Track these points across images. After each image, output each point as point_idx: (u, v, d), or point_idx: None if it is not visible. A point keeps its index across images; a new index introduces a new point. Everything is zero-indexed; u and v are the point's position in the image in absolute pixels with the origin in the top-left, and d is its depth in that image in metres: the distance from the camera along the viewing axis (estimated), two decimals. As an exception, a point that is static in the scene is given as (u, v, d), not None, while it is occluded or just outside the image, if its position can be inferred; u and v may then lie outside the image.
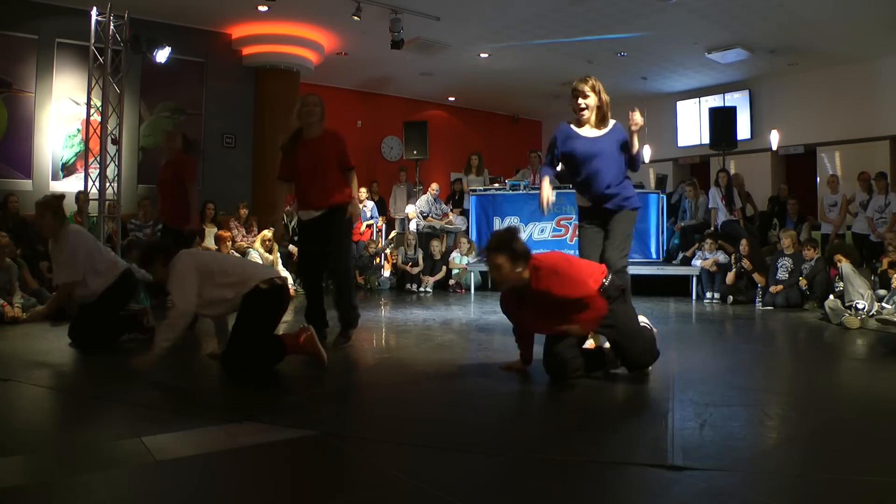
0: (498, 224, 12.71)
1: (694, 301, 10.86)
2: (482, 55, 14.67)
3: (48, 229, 6.37)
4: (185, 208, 7.38)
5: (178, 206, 7.39)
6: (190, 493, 2.82)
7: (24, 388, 4.83)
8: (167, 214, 7.58)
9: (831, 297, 8.53)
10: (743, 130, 15.53)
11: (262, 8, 11.95)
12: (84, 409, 4.26)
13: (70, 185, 11.23)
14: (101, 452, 3.31)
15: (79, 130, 11.90)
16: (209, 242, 11.19)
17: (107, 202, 9.71)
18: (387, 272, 13.44)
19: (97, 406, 4.32)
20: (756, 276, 10.38)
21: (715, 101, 16.41)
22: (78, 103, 11.66)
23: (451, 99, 18.75)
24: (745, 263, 10.48)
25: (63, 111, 12.03)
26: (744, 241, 10.74)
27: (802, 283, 9.84)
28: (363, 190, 14.19)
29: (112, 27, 9.63)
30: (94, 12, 9.55)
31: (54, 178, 11.67)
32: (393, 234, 14.66)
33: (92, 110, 9.94)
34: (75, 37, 11.10)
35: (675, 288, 11.27)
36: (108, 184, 9.65)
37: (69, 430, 3.73)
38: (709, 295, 10.91)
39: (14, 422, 4.05)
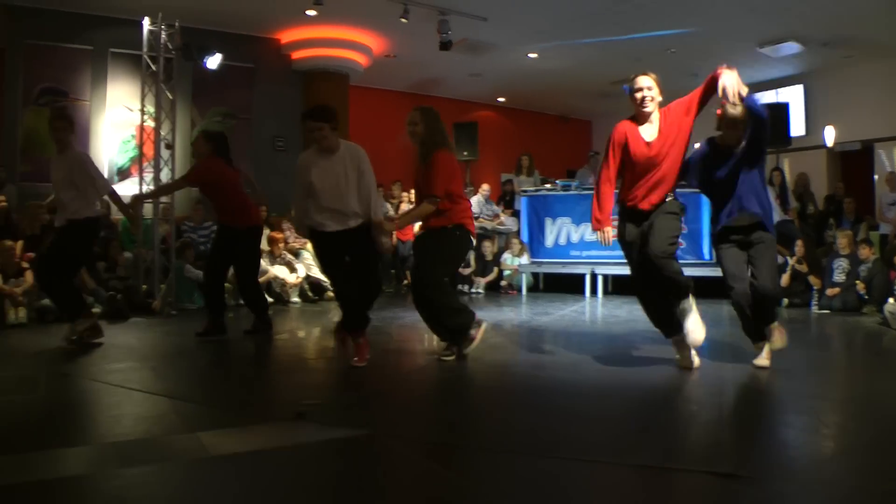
0: (549, 225, 12.63)
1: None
2: (530, 55, 14.62)
3: (61, 140, 6.61)
4: (239, 208, 7.18)
5: (229, 207, 7.17)
6: (242, 489, 2.86)
7: (84, 383, 4.99)
8: (224, 216, 7.30)
9: (891, 300, 8.27)
10: (797, 127, 15.25)
11: (310, 12, 12.02)
12: (142, 404, 4.34)
13: (125, 189, 11.36)
14: (158, 446, 3.39)
15: (133, 136, 12.08)
16: (262, 244, 11.28)
17: (161, 205, 9.85)
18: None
19: (155, 402, 4.40)
20: (811, 279, 10.13)
21: (768, 96, 16.11)
22: (132, 110, 11.84)
23: (501, 99, 18.69)
24: (800, 265, 10.27)
25: (117, 118, 12.25)
26: (799, 242, 10.48)
27: (860, 286, 9.58)
28: (413, 191, 14.14)
29: (163, 36, 9.77)
30: (145, 22, 9.70)
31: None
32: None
33: (145, 116, 10.09)
34: (128, 46, 11.31)
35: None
36: (161, 187, 9.79)
37: (128, 424, 3.79)
38: (763, 297, 10.76)
39: (76, 415, 4.19)
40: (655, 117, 5.07)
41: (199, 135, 7.47)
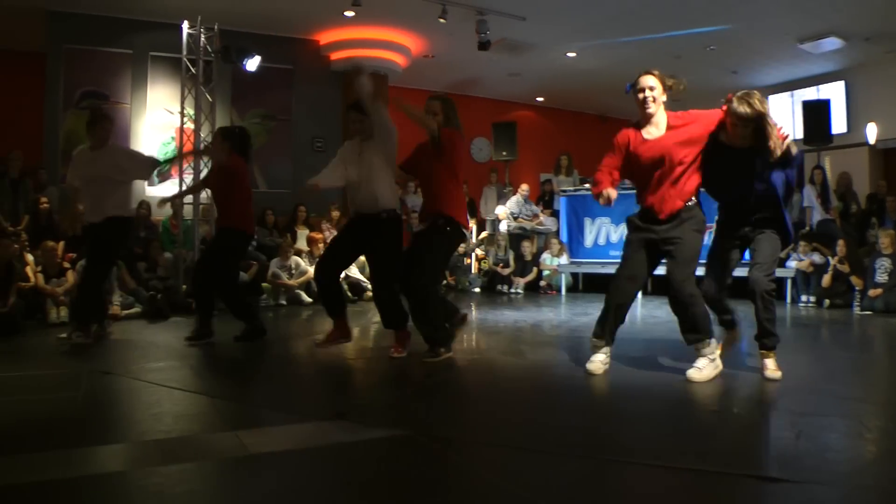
0: (589, 225, 12.56)
1: (788, 304, 10.56)
2: (569, 54, 14.58)
3: (103, 138, 6.77)
4: (245, 211, 6.97)
5: (237, 208, 6.88)
6: (281, 488, 2.87)
7: (125, 381, 5.05)
8: (228, 220, 6.96)
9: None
10: (838, 124, 14.96)
11: (348, 13, 12.08)
12: (182, 402, 4.38)
13: (165, 191, 11.52)
14: (198, 444, 3.43)
15: (173, 138, 12.26)
16: (301, 244, 11.36)
17: (201, 206, 9.95)
18: (475, 271, 13.48)
19: (195, 400, 4.45)
20: (853, 279, 9.96)
21: (808, 93, 15.87)
22: (171, 112, 11.99)
23: (540, 99, 18.67)
24: (842, 265, 10.09)
25: (157, 120, 12.41)
26: (841, 242, 10.28)
27: (902, 287, 9.41)
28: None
29: (203, 39, 9.88)
30: (185, 26, 9.82)
31: (150, 183, 11.89)
32: (483, 234, 14.65)
33: (185, 119, 10.19)
34: (168, 49, 11.45)
35: (769, 290, 10.88)
36: (201, 189, 9.89)
37: (168, 421, 3.83)
38: (804, 298, 10.54)
39: (117, 413, 4.26)
40: (662, 118, 4.97)
41: (216, 133, 7.41)
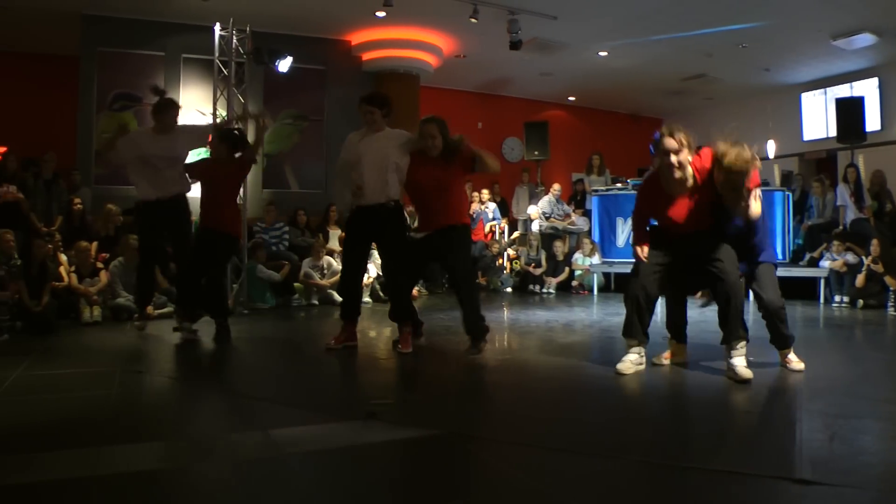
0: (621, 225, 12.48)
1: (822, 305, 10.44)
2: (601, 53, 14.48)
3: (171, 125, 7.15)
4: (237, 213, 7.19)
5: (231, 210, 7.12)
6: (313, 487, 2.90)
7: (158, 379, 5.11)
8: (223, 223, 6.96)
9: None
10: (873, 121, 14.67)
11: (380, 14, 12.09)
12: (215, 401, 4.42)
13: (199, 191, 11.59)
14: (231, 443, 3.47)
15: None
16: (333, 244, 11.39)
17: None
18: (507, 271, 13.46)
19: (227, 399, 4.49)
20: (888, 279, 9.79)
21: (842, 91, 15.61)
22: (204, 114, 12.04)
23: (571, 98, 18.56)
24: (876, 265, 9.93)
25: (190, 122, 12.46)
26: (874, 242, 10.09)
27: (938, 287, 9.25)
28: (485, 191, 14.31)
29: (235, 41, 9.91)
30: (217, 27, 9.86)
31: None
32: (515, 234, 14.64)
33: (218, 120, 10.24)
34: (200, 51, 11.56)
35: (802, 291, 10.73)
36: (234, 189, 9.94)
37: (200, 420, 3.87)
38: (837, 298, 10.38)
39: (150, 411, 4.28)
40: (688, 173, 4.90)
41: (214, 136, 7.49)
